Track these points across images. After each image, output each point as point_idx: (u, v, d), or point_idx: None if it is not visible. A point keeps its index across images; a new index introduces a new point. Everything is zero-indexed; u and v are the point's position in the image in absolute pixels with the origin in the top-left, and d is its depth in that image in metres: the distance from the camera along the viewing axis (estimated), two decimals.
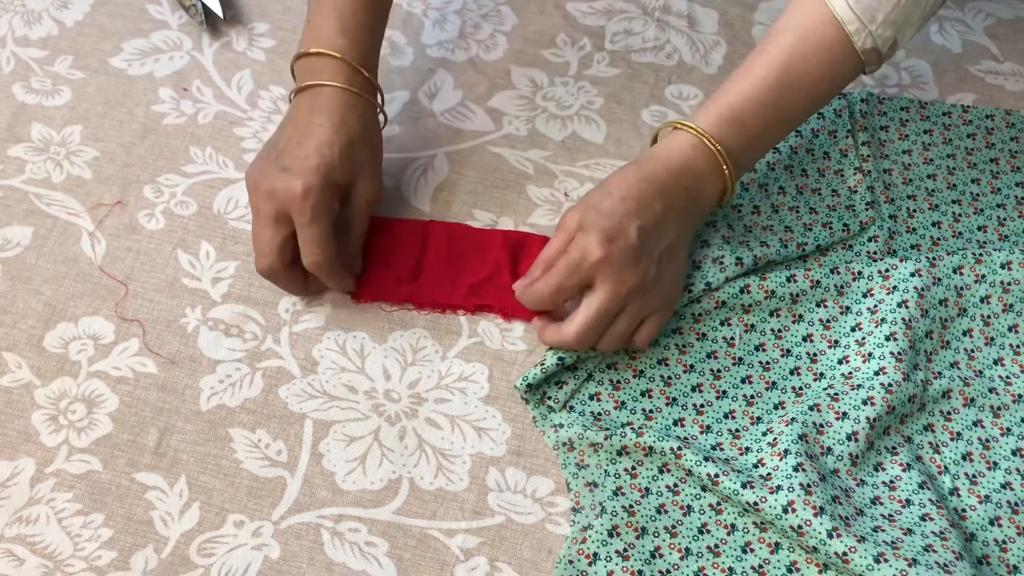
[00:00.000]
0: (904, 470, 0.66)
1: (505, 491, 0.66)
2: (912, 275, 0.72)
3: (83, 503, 0.64)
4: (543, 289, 0.66)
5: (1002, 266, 0.74)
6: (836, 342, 0.72)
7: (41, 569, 0.62)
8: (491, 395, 0.69)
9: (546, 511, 0.66)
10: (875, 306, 0.72)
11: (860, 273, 0.73)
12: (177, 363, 0.69)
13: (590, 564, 0.62)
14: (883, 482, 0.66)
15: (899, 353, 0.69)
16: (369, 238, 0.73)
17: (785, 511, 0.62)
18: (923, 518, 0.64)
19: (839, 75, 0.68)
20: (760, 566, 0.63)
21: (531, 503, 0.66)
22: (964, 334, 0.73)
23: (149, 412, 0.68)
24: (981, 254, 0.74)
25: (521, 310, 0.70)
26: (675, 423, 0.69)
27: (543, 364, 0.68)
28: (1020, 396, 0.70)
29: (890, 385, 0.68)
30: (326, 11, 0.70)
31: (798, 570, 0.63)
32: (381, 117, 0.73)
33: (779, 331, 0.72)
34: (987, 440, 0.69)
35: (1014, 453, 0.68)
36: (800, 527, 0.61)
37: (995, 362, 0.72)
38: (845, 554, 0.60)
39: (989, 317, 0.73)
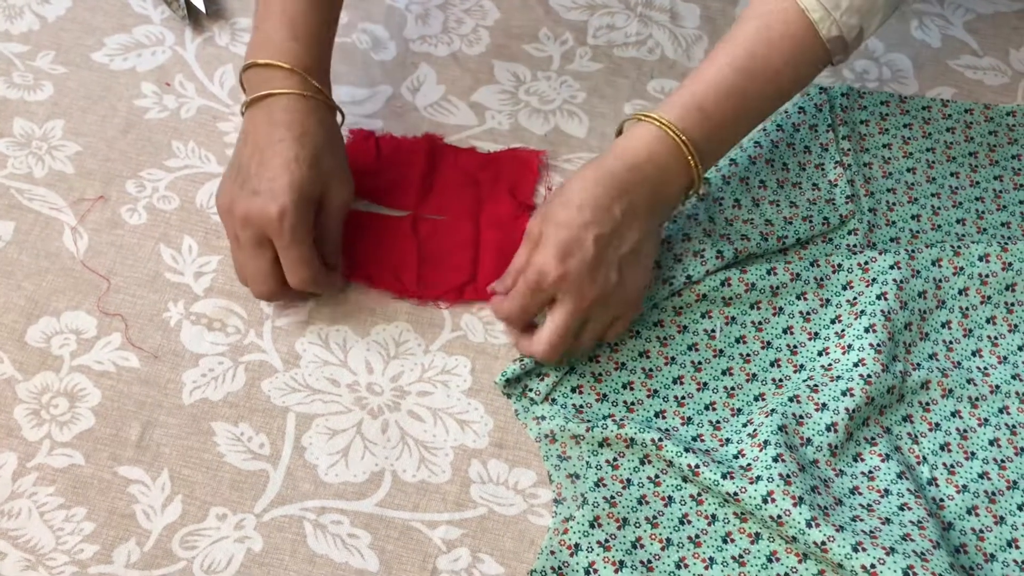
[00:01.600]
0: (883, 460, 0.67)
1: (487, 483, 0.67)
2: (891, 267, 0.73)
3: (65, 497, 0.64)
4: (509, 309, 0.66)
5: (980, 258, 0.74)
6: (816, 334, 0.72)
7: (23, 563, 0.62)
8: (474, 388, 0.70)
9: (528, 502, 0.66)
10: (855, 298, 0.73)
11: (840, 266, 0.74)
12: (159, 357, 0.70)
13: (572, 555, 0.63)
14: (862, 472, 0.67)
15: (878, 345, 0.70)
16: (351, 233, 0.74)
17: (765, 501, 0.62)
18: (901, 508, 0.64)
19: (804, 63, 0.68)
20: (740, 556, 0.64)
21: (513, 495, 0.66)
22: (943, 326, 0.73)
23: (131, 406, 0.68)
24: (959, 247, 0.75)
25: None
26: (656, 415, 0.69)
27: (521, 359, 0.69)
28: (997, 387, 0.71)
29: (869, 376, 0.68)
30: (276, 16, 0.69)
31: (778, 560, 0.63)
32: (338, 115, 0.72)
33: (759, 323, 0.73)
34: (965, 430, 0.69)
35: (991, 443, 0.69)
36: (779, 517, 0.62)
37: (973, 353, 0.73)
38: (823, 543, 0.61)
39: (967, 309, 0.74)
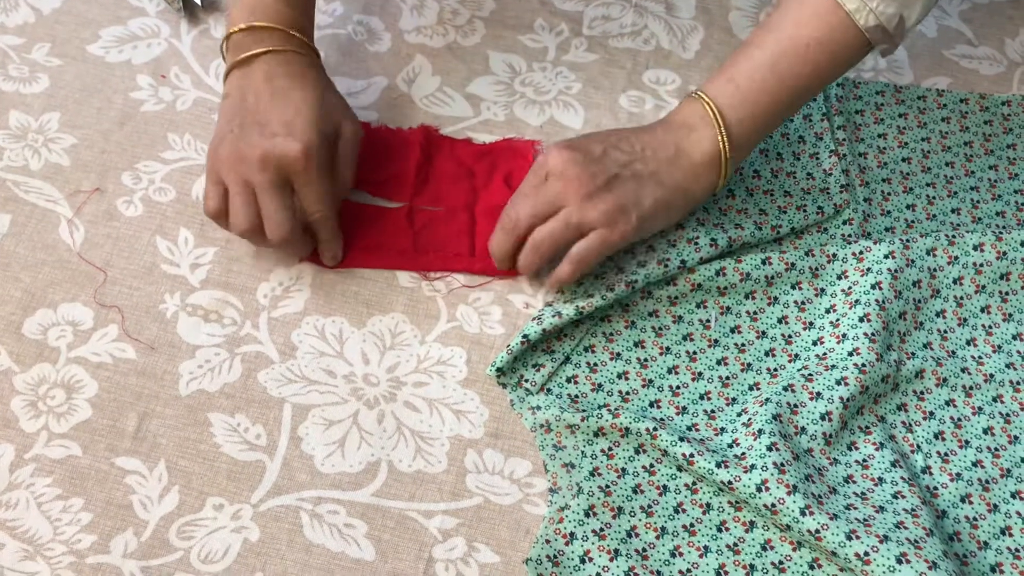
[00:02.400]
0: (877, 449, 0.67)
1: (483, 472, 0.67)
2: (886, 257, 0.73)
3: (63, 488, 0.64)
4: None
5: (975, 248, 0.75)
6: (811, 324, 0.73)
7: (21, 553, 0.62)
8: (469, 378, 0.70)
9: (523, 492, 0.66)
10: (849, 288, 0.73)
11: (835, 255, 0.74)
12: (156, 349, 0.70)
13: (567, 543, 0.63)
14: (856, 461, 0.67)
15: (873, 334, 0.70)
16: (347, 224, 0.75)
17: (759, 489, 0.63)
18: (895, 496, 0.64)
19: (838, 44, 0.68)
20: (735, 544, 0.64)
21: (509, 484, 0.66)
22: (937, 315, 0.73)
23: (128, 397, 0.68)
24: (954, 236, 0.75)
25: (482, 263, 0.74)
26: (651, 404, 0.69)
27: (509, 346, 0.69)
28: (991, 376, 0.71)
29: (863, 366, 0.68)
30: None
31: (772, 548, 0.64)
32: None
33: (754, 313, 0.73)
34: (959, 419, 0.69)
35: (985, 432, 0.69)
36: (774, 505, 0.62)
37: (967, 342, 0.73)
38: (818, 531, 0.61)
39: (962, 298, 0.74)
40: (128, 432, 0.67)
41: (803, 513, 0.61)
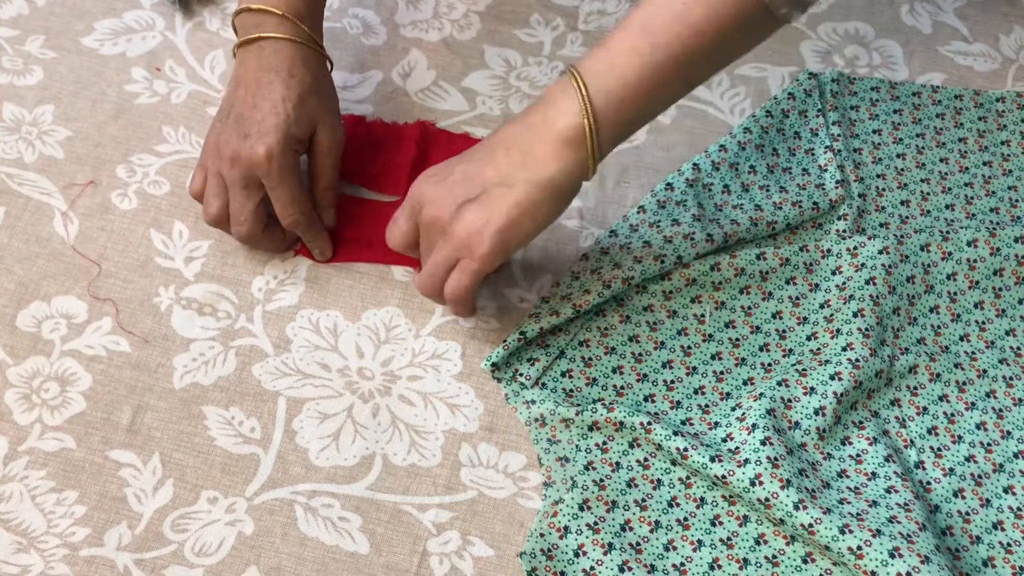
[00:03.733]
0: (870, 444, 0.67)
1: (477, 466, 0.67)
2: (880, 252, 0.73)
3: (57, 480, 0.64)
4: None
5: (968, 244, 0.75)
6: (805, 319, 0.73)
7: (15, 546, 0.62)
8: (464, 372, 0.70)
9: (518, 486, 0.66)
10: (843, 283, 0.73)
11: (829, 251, 0.74)
12: (150, 342, 0.70)
13: (561, 537, 0.63)
14: (850, 455, 0.67)
15: (866, 329, 0.70)
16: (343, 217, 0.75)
17: (752, 484, 0.63)
18: (888, 490, 0.65)
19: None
20: (729, 538, 0.64)
21: (503, 478, 0.67)
22: (931, 311, 0.74)
23: (122, 390, 0.68)
24: (948, 232, 0.75)
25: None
26: (646, 399, 0.69)
27: (505, 342, 0.69)
28: (985, 371, 0.71)
29: (857, 360, 0.69)
30: None
31: (766, 542, 0.64)
32: (328, 64, 0.73)
33: (749, 308, 0.73)
34: (952, 414, 0.70)
35: (978, 427, 0.69)
36: (767, 499, 0.62)
37: (961, 338, 0.73)
38: (811, 525, 0.61)
39: (955, 294, 0.74)
40: (122, 425, 0.67)
41: (796, 507, 0.62)
